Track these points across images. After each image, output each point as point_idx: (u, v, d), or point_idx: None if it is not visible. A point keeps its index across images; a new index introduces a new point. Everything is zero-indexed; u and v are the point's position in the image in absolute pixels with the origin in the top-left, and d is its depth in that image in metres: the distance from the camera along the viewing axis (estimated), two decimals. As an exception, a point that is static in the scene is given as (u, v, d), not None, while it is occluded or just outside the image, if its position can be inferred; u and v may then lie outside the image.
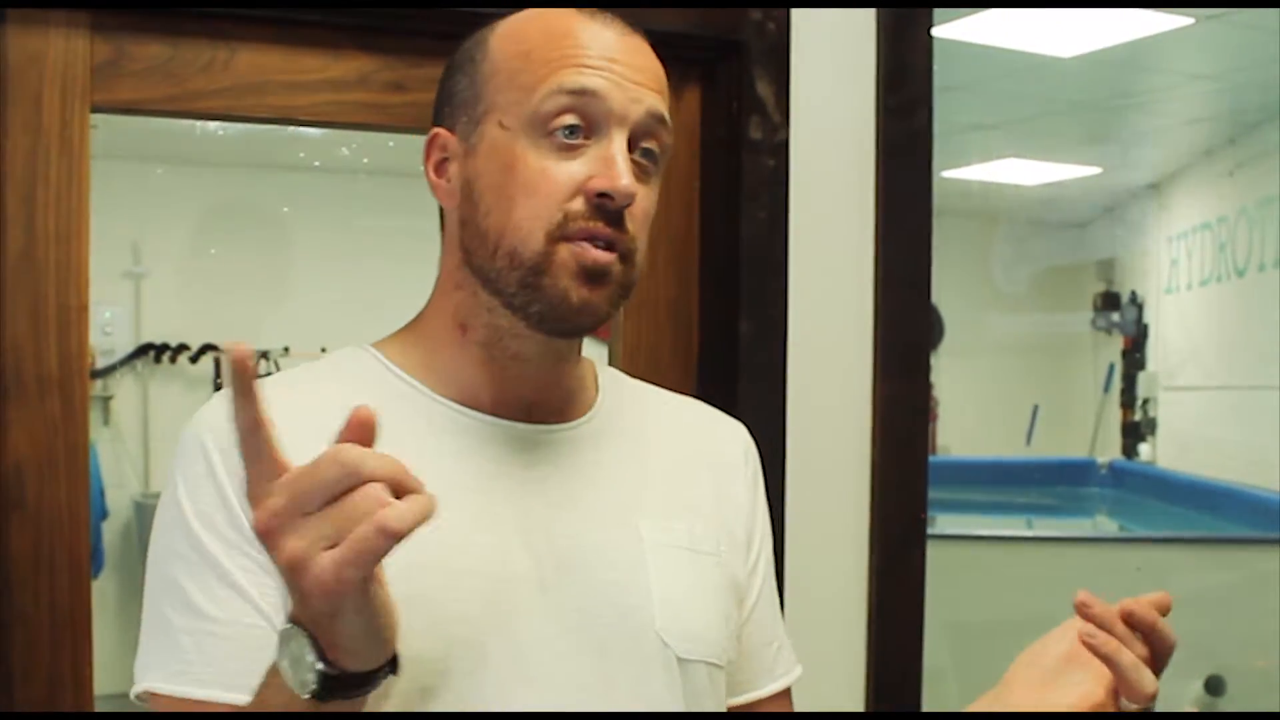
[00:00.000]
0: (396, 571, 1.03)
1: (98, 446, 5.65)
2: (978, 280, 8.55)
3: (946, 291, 8.21)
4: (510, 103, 1.14)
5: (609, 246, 1.13)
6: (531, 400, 1.21)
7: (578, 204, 1.12)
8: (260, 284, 5.99)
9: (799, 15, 2.01)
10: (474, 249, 1.17)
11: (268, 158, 5.94)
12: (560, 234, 1.12)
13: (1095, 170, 7.68)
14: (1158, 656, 1.13)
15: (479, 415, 1.20)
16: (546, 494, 1.19)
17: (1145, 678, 1.11)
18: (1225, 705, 3.63)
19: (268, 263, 6.05)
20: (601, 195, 1.12)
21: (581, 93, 1.12)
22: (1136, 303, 8.35)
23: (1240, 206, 6.73)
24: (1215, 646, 3.69)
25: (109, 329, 5.90)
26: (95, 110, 1.74)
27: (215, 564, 1.08)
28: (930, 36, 2.10)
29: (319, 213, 6.03)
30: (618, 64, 1.15)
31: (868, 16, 2.07)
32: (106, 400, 6.00)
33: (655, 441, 1.30)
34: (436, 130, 1.21)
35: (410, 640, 1.05)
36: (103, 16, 1.73)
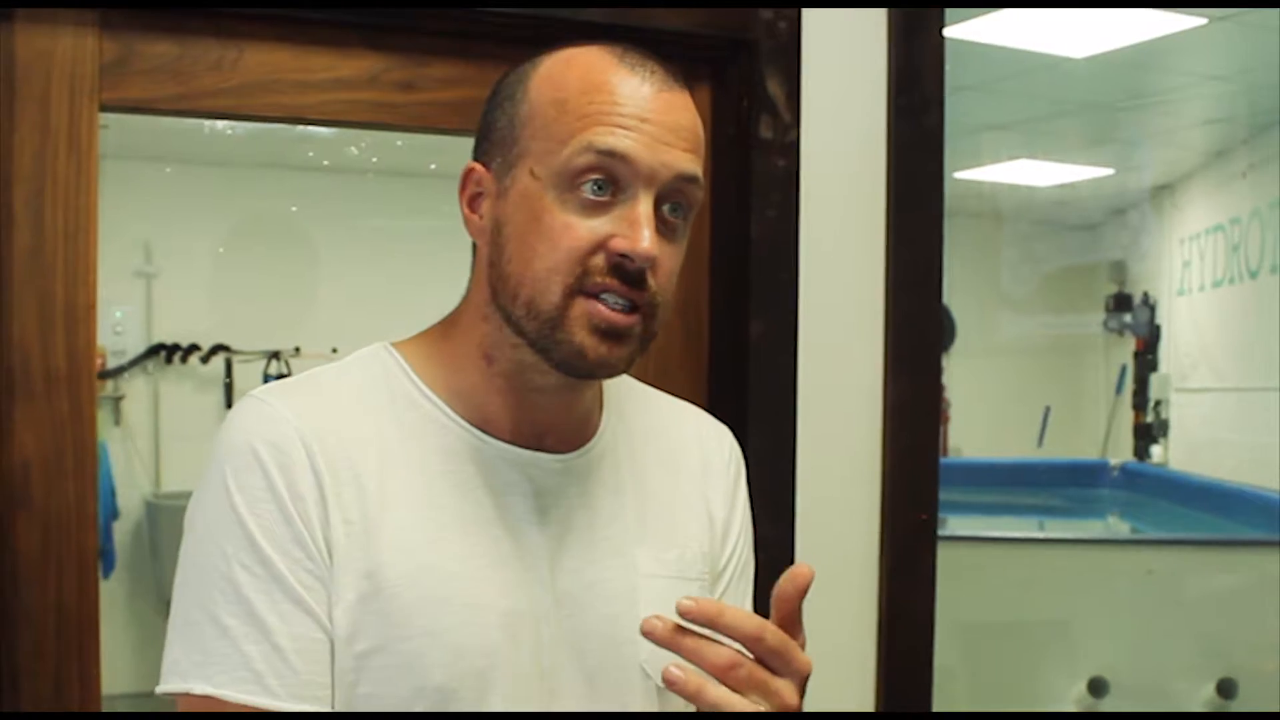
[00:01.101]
0: (417, 603, 1.13)
1: (109, 446, 5.66)
2: (989, 281, 8.53)
3: (958, 292, 8.19)
4: (542, 151, 1.15)
5: (631, 309, 1.14)
6: (546, 427, 1.24)
7: (598, 260, 1.13)
8: (271, 284, 5.99)
9: (810, 14, 2.01)
10: (499, 290, 1.19)
11: (277, 157, 5.94)
12: (578, 288, 1.13)
13: (1107, 171, 7.66)
14: (771, 653, 1.04)
15: (494, 441, 1.22)
16: (550, 526, 1.22)
17: (722, 700, 1.01)
18: (1237, 708, 3.62)
19: (278, 263, 6.05)
20: (622, 255, 1.13)
21: (610, 154, 1.13)
22: (1149, 304, 8.33)
23: (1253, 208, 6.71)
24: (1227, 649, 3.68)
25: (120, 329, 5.91)
26: (104, 109, 1.74)
27: (281, 579, 1.11)
28: (942, 36, 2.09)
29: (329, 213, 6.03)
30: (649, 123, 1.14)
31: (879, 16, 2.06)
32: (117, 400, 6.01)
33: (653, 461, 1.33)
34: (472, 165, 1.22)
35: (432, 673, 1.12)
36: (111, 15, 1.73)
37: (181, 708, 1.13)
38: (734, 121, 2.01)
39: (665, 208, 1.16)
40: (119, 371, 5.97)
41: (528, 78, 1.19)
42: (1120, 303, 8.59)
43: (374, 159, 5.73)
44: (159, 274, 6.00)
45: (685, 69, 1.99)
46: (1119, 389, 8.55)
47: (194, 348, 6.08)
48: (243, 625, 1.10)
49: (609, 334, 1.14)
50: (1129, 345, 8.51)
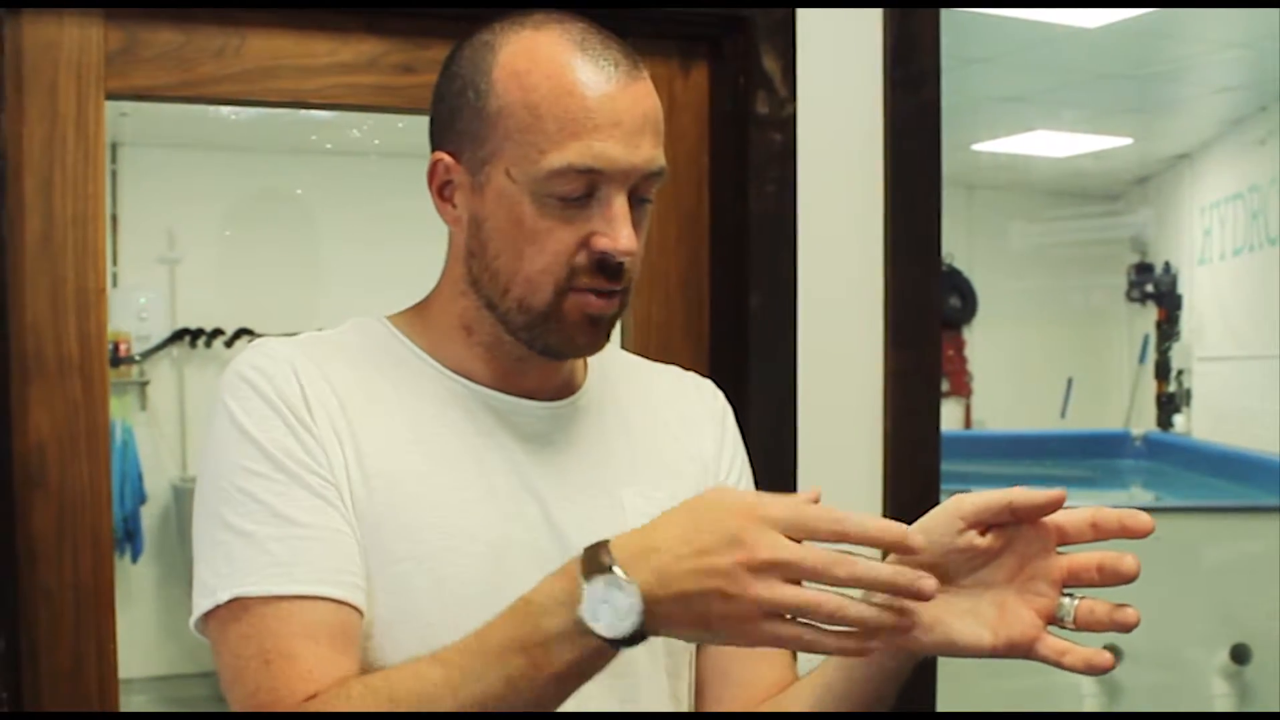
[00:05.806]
0: (402, 529, 1.17)
1: (135, 431, 5.72)
2: (1010, 253, 8.52)
3: (979, 264, 8.19)
4: (518, 157, 1.18)
5: (611, 295, 1.21)
6: (531, 389, 1.30)
7: (582, 258, 1.19)
8: (289, 267, 6.03)
9: (805, -10, 2.03)
10: (482, 281, 1.24)
11: (282, 142, 5.98)
12: (568, 285, 1.20)
13: (1126, 141, 7.63)
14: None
15: (479, 388, 1.28)
16: (537, 466, 1.26)
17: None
18: (1251, 673, 3.62)
19: (295, 246, 6.09)
20: (604, 253, 1.18)
21: (589, 170, 1.16)
22: (1170, 273, 8.31)
23: (1272, 175, 6.68)
24: (1242, 615, 3.69)
25: (144, 314, 5.96)
26: (110, 97, 1.78)
27: (299, 479, 1.16)
28: (938, 9, 2.10)
29: (337, 195, 6.06)
30: (622, 126, 1.17)
31: (875, -9, 2.08)
32: (143, 385, 6.07)
33: (638, 412, 1.38)
34: (439, 156, 1.25)
35: (414, 597, 1.17)
36: (116, 5, 1.77)
37: (213, 636, 1.15)
38: (731, 98, 2.03)
39: (633, 199, 1.20)
40: (144, 356, 6.02)
41: (490, 69, 1.21)
42: (1142, 272, 8.57)
43: (376, 141, 5.77)
44: (182, 259, 6.05)
45: (683, 46, 2.03)
46: (1142, 359, 8.54)
47: (218, 332, 6.13)
48: (268, 527, 1.14)
49: (595, 321, 1.22)
50: (1151, 315, 8.49)
